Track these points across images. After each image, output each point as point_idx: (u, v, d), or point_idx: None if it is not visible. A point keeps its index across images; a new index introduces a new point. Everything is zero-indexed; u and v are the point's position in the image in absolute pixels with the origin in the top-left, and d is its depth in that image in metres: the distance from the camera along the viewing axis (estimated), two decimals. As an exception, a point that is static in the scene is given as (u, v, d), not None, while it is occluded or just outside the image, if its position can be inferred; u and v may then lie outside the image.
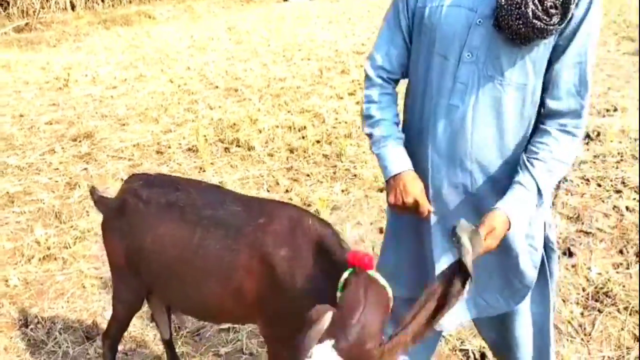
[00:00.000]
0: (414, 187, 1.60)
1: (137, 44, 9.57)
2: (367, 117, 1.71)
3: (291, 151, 4.92)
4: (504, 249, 1.61)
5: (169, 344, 2.44)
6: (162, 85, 7.15)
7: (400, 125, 1.74)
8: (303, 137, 5.12)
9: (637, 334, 2.58)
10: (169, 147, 5.16)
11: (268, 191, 4.25)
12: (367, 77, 1.72)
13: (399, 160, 1.64)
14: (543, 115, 1.56)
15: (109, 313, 2.91)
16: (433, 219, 1.68)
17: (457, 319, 1.81)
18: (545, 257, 1.72)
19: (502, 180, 1.57)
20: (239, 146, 5.09)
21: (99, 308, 3.04)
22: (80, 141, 5.36)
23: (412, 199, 1.59)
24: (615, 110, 5.16)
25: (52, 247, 3.65)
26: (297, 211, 1.73)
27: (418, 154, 1.66)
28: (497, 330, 1.89)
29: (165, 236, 1.84)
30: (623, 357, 2.48)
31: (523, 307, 1.83)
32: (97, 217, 3.94)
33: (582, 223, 3.47)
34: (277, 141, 5.12)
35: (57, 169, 4.85)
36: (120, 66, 8.08)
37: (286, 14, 12.57)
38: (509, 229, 1.48)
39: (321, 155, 4.80)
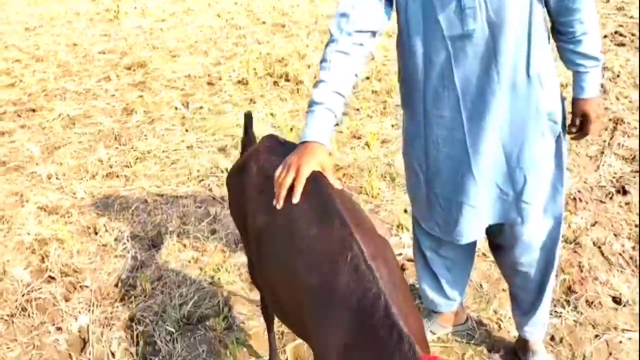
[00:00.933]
0: (312, 158, 1.52)
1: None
2: (319, 71, 1.68)
3: (341, 86, 4.94)
4: (536, 136, 1.77)
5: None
6: (210, 19, 7.19)
7: (346, 89, 1.66)
8: (352, 73, 5.12)
9: (690, 268, 2.62)
10: (220, 79, 5.26)
11: (318, 123, 4.33)
12: (330, 31, 1.70)
13: (316, 128, 1.59)
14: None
15: (172, 224, 3.11)
16: (468, 126, 1.75)
17: (498, 219, 1.89)
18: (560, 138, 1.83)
19: (518, 65, 1.66)
20: (288, 80, 5.15)
21: (162, 220, 3.23)
22: (134, 70, 5.50)
23: (304, 162, 1.50)
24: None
25: (114, 166, 3.86)
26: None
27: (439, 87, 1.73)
28: (510, 234, 1.95)
29: (262, 224, 1.59)
30: (673, 288, 2.53)
31: (534, 212, 1.89)
32: (154, 141, 4.13)
33: (638, 164, 3.45)
34: (326, 76, 5.14)
35: (114, 95, 5.03)
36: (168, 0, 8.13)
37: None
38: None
39: (370, 91, 4.83)
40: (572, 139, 1.89)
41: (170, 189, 3.57)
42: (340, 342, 1.26)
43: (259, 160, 1.69)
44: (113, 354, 2.38)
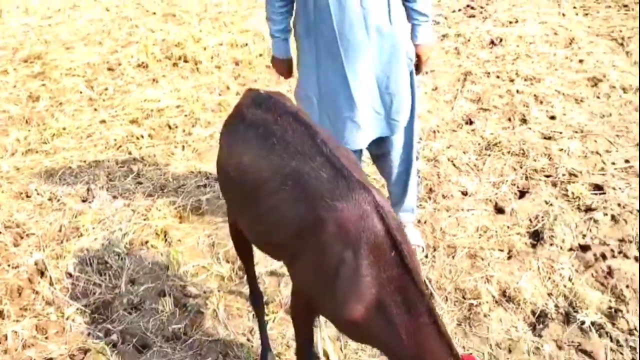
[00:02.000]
0: (282, 67, 2.79)
1: (62, -24, 9.73)
2: (266, 12, 2.66)
3: (236, 63, 5.67)
4: (398, 68, 2.59)
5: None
6: (98, 13, 7.56)
7: (290, 22, 2.65)
8: (245, 54, 5.86)
9: (516, 167, 3.66)
10: (120, 64, 5.76)
11: (220, 94, 5.03)
12: None
13: (279, 48, 2.73)
14: None
15: (100, 182, 3.68)
16: (348, 68, 2.52)
17: (368, 138, 2.72)
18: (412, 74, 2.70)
19: (382, 15, 2.48)
20: (187, 61, 5.77)
21: (89, 179, 3.79)
22: (31, 62, 5.84)
23: (280, 71, 2.81)
24: (517, 22, 6.23)
25: (32, 143, 4.31)
26: (384, 220, 1.63)
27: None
28: (383, 143, 2.80)
29: (248, 168, 1.91)
30: (503, 182, 3.55)
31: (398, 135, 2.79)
32: (67, 120, 4.61)
33: (482, 102, 4.52)
34: (222, 56, 5.84)
35: (15, 86, 5.37)
36: (50, -3, 8.35)
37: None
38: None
39: (264, 66, 5.59)
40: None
41: (92, 156, 4.10)
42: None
43: (244, 115, 2.04)
44: (70, 274, 2.95)
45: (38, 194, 3.68)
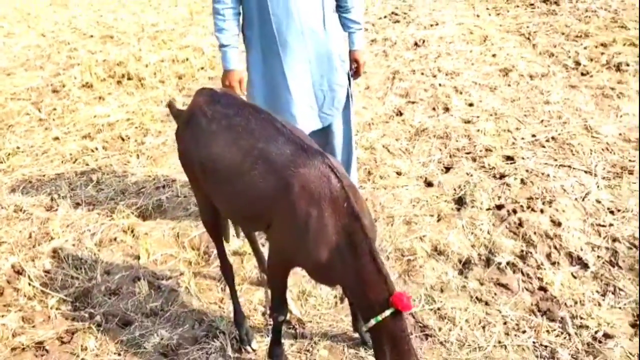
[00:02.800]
0: (234, 80, 2.93)
1: (-9, 5, 9.82)
2: (215, 25, 2.92)
3: (179, 77, 6.06)
4: (332, 69, 3.04)
5: (256, 251, 3.03)
6: (35, 39, 7.77)
7: (239, 29, 2.94)
8: (187, 68, 6.26)
9: (441, 148, 4.23)
10: (64, 86, 6.04)
11: (167, 106, 5.40)
12: None
13: (232, 61, 2.92)
14: None
15: (62, 191, 3.98)
16: (286, 65, 2.96)
17: (307, 129, 3.18)
18: (349, 76, 3.19)
19: (314, 21, 2.93)
20: (130, 79, 6.11)
21: (52, 191, 4.08)
22: (-27, 89, 6.02)
23: (231, 85, 2.92)
24: (437, 24, 6.92)
25: (-12, 164, 4.54)
26: (338, 177, 2.04)
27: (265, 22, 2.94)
28: (325, 136, 3.30)
29: (220, 156, 2.24)
30: (430, 161, 4.11)
31: (337, 123, 3.27)
32: (19, 140, 4.87)
33: (409, 96, 5.11)
34: (164, 71, 6.22)
35: (-40, 112, 5.55)
36: (-19, 26, 8.46)
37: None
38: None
39: (207, 78, 6.01)
40: (352, 76, 3.23)
41: (51, 170, 4.40)
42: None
43: (204, 111, 2.34)
44: (47, 272, 3.27)
45: (2, 207, 3.95)
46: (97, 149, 4.66)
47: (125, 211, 3.79)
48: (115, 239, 3.52)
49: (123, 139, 4.83)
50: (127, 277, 3.22)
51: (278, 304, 2.43)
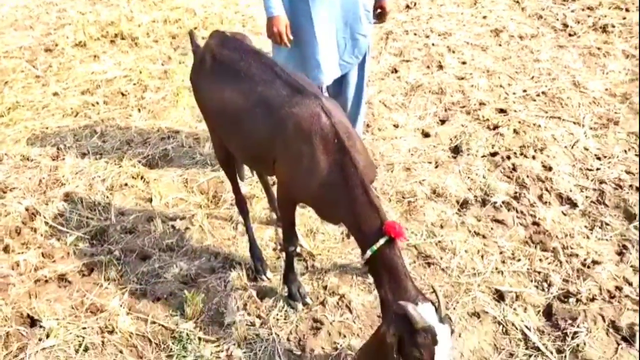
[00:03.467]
0: (281, 25, 3.01)
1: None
2: None
3: (173, 37, 6.15)
4: (356, 17, 3.20)
5: (267, 190, 3.24)
6: (21, 0, 7.74)
7: None
8: (180, 28, 6.35)
9: (436, 103, 4.44)
10: (57, 45, 6.09)
11: (163, 64, 5.52)
12: None
13: (276, 6, 3.00)
14: None
15: (67, 142, 4.11)
16: (314, 12, 3.11)
17: (330, 75, 3.35)
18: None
19: None
20: (123, 39, 6.18)
21: (57, 142, 4.21)
22: (-36, 47, 6.04)
23: (279, 30, 3.01)
24: (428, -12, 7.08)
25: (-11, 117, 4.64)
26: (329, 116, 2.20)
27: None
28: (339, 85, 3.47)
29: (225, 99, 2.45)
30: (427, 114, 4.33)
31: (353, 72, 3.43)
32: (18, 95, 4.96)
33: (404, 55, 5.30)
34: (157, 31, 6.29)
35: (-47, 69, 5.59)
36: (-37, -14, 8.37)
37: None
38: None
39: (201, 38, 6.10)
40: (375, 23, 3.39)
41: (53, 123, 4.51)
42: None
43: (214, 54, 2.55)
44: (62, 214, 3.43)
45: (9, 157, 4.07)
46: (97, 103, 4.77)
47: (132, 160, 3.95)
48: (125, 184, 3.69)
49: (123, 94, 4.94)
50: (141, 217, 3.39)
51: (288, 236, 2.64)
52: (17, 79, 5.35)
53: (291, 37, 3.13)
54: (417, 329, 1.85)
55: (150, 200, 3.54)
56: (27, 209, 3.49)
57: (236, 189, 2.93)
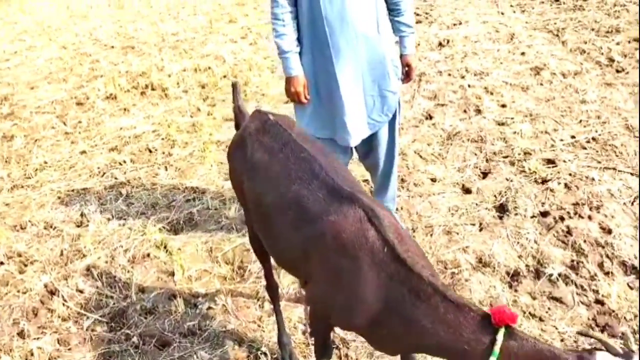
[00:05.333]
0: (300, 85, 2.83)
1: (15, 20, 9.83)
2: (275, 31, 2.82)
3: (203, 87, 5.96)
4: (384, 74, 2.90)
5: None
6: (56, 52, 7.74)
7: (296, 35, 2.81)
8: (209, 76, 6.16)
9: (476, 152, 4.06)
10: (88, 98, 5.97)
11: (192, 117, 5.31)
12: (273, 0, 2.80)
13: (295, 67, 2.81)
14: None
15: (92, 207, 3.90)
16: (338, 70, 2.84)
17: (358, 136, 3.04)
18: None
19: (368, 26, 2.82)
20: (154, 89, 6.03)
21: (81, 207, 4.00)
22: (-1, 104, 5.99)
23: (297, 91, 2.82)
24: (461, 23, 6.75)
25: (16, 180, 4.49)
26: (373, 221, 1.77)
27: (318, 30, 2.82)
28: (370, 143, 3.14)
29: (259, 192, 2.13)
30: (466, 166, 3.94)
31: (384, 130, 3.11)
32: (46, 155, 4.80)
33: (438, 99, 4.95)
34: (187, 81, 6.13)
35: (-13, 128, 5.51)
36: (4, 41, 8.46)
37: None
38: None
39: (229, 87, 5.89)
40: (403, 82, 3.08)
41: (79, 185, 4.31)
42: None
43: (253, 139, 2.22)
44: (81, 291, 3.17)
45: (33, 224, 3.87)
46: (124, 162, 4.57)
47: (156, 225, 3.69)
48: (148, 255, 3.42)
49: (150, 151, 4.73)
50: (162, 295, 3.11)
51: (322, 353, 2.19)
52: (47, 137, 5.21)
53: (309, 97, 2.91)
54: None
55: (173, 274, 3.26)
56: (45, 286, 3.25)
57: (269, 273, 2.59)
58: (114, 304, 3.08)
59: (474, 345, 1.59)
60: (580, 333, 1.54)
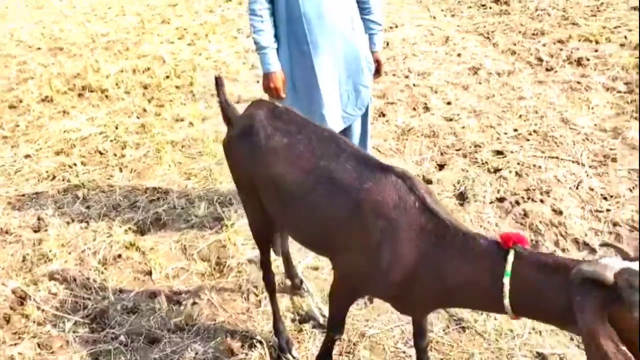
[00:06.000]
0: (278, 81, 2.97)
1: None
2: (253, 27, 2.94)
3: (145, 87, 5.90)
4: (358, 70, 3.08)
5: (286, 257, 3.02)
6: (-24, 53, 7.34)
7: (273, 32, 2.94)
8: (151, 77, 6.10)
9: (430, 146, 4.35)
10: (21, 101, 5.74)
11: (138, 117, 5.25)
12: None
13: (273, 62, 2.94)
14: None
15: (48, 211, 3.81)
16: (317, 66, 2.99)
17: (334, 129, 3.20)
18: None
19: (344, 23, 2.99)
20: (92, 91, 5.89)
21: (37, 211, 3.88)
22: None
23: (276, 86, 2.96)
24: (397, 26, 7.09)
25: (-45, 186, 4.26)
26: (405, 182, 1.90)
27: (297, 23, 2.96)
28: (345, 136, 3.32)
29: (282, 176, 2.14)
30: (423, 159, 4.22)
31: (356, 123, 3.31)
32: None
33: (387, 98, 5.21)
34: (127, 82, 6.03)
35: None
36: None
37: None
38: None
39: (174, 87, 5.88)
40: (373, 77, 3.27)
41: (29, 189, 4.17)
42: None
43: (264, 125, 2.25)
44: (55, 294, 3.11)
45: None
46: (75, 164, 4.46)
47: (122, 227, 3.66)
48: (119, 256, 3.40)
49: (101, 153, 4.65)
50: (142, 294, 3.11)
51: (336, 325, 2.32)
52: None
53: (286, 93, 3.04)
54: (613, 282, 1.42)
55: (150, 273, 3.26)
56: (14, 292, 3.15)
57: (266, 263, 2.65)
58: (92, 305, 3.05)
59: (490, 270, 1.69)
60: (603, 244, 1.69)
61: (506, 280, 1.65)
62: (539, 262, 1.64)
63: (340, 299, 2.24)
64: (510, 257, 1.66)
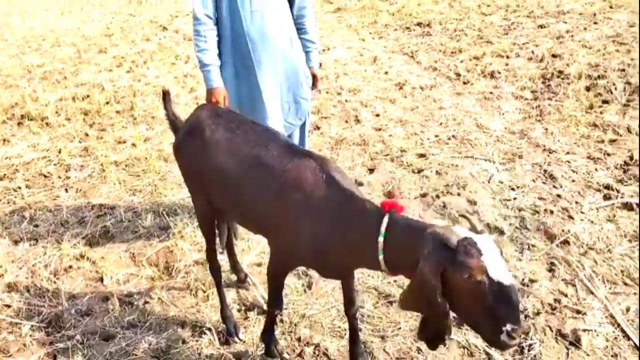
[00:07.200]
0: (220, 96, 3.26)
1: None
2: (197, 46, 3.27)
3: (85, 114, 6.11)
4: (298, 83, 3.46)
5: (230, 254, 3.34)
6: None
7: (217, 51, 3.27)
8: (91, 104, 6.32)
9: (361, 154, 4.78)
10: (-43, 132, 5.83)
11: (80, 142, 5.46)
12: (196, 17, 3.23)
13: (216, 79, 3.23)
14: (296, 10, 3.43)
15: None
16: (260, 80, 3.34)
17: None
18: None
19: (284, 41, 3.37)
20: (32, 119, 6.05)
21: None
22: None
23: (218, 101, 3.24)
24: (329, 49, 7.60)
25: None
26: (317, 162, 2.30)
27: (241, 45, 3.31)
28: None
29: (224, 165, 2.51)
30: (355, 165, 4.64)
31: (296, 133, 3.70)
32: None
33: (322, 113, 5.65)
34: (67, 109, 6.22)
35: None
36: None
37: (10, 8, 12.65)
38: None
39: (115, 112, 6.12)
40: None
41: None
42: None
43: (208, 123, 2.63)
44: (8, 305, 3.29)
45: None
46: (19, 187, 4.63)
47: (71, 241, 3.87)
48: (70, 267, 3.61)
49: (45, 176, 4.84)
50: (95, 298, 3.34)
51: (275, 301, 2.65)
52: None
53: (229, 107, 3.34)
54: (455, 246, 1.75)
55: (101, 279, 3.50)
56: None
57: (212, 253, 2.97)
58: (47, 311, 3.25)
59: (372, 230, 2.04)
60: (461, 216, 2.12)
61: (380, 239, 2.02)
62: (405, 224, 2.03)
63: (276, 274, 2.58)
64: (385, 219, 2.03)
